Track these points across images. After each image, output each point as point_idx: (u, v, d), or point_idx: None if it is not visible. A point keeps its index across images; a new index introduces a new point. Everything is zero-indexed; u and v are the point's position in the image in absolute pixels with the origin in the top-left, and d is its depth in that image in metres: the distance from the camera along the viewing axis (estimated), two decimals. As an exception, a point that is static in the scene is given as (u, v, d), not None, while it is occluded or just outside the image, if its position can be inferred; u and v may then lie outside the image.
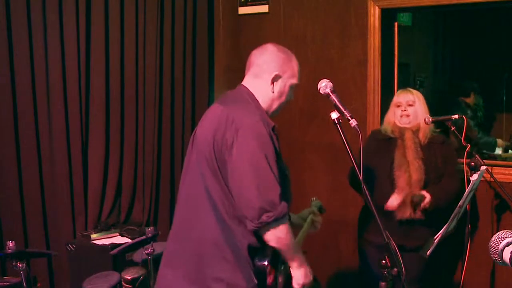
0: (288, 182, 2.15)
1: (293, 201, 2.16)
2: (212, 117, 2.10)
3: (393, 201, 3.15)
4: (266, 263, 2.04)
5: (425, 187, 3.15)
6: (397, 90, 3.44)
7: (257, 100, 2.15)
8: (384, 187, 3.17)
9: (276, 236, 2.01)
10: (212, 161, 2.04)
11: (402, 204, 3.14)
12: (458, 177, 3.31)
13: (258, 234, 2.02)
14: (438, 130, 3.35)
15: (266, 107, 2.17)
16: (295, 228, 2.21)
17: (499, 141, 5.22)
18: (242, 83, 2.23)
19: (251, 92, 2.17)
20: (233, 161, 1.98)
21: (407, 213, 3.14)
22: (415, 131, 3.23)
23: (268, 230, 1.99)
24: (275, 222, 1.96)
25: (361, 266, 3.55)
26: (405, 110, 3.23)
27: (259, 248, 2.05)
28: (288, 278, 2.16)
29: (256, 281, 2.05)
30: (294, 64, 2.22)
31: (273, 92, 2.17)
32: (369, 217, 3.23)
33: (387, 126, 3.31)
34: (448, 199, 3.19)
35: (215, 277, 2.03)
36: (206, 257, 2.05)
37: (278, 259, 2.11)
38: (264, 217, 1.94)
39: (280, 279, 2.14)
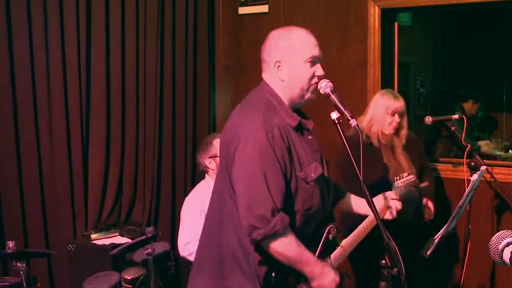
0: (311, 187, 2.05)
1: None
2: (229, 125, 2.06)
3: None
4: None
5: None
6: (382, 91, 3.30)
7: (277, 95, 2.05)
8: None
9: (273, 252, 1.92)
10: (225, 174, 2.00)
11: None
12: (432, 172, 3.42)
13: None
14: None
15: (289, 97, 2.07)
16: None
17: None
18: (262, 76, 2.13)
19: (271, 88, 2.07)
20: (234, 176, 1.95)
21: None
22: (399, 135, 3.19)
23: (265, 245, 1.91)
24: (266, 239, 1.88)
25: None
26: (399, 120, 3.13)
27: (269, 260, 1.97)
28: None
29: None
30: (296, 40, 2.07)
31: (282, 80, 2.05)
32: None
33: (373, 135, 3.14)
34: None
35: (229, 286, 2.01)
36: (225, 265, 2.01)
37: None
38: (254, 235, 1.87)
39: None
